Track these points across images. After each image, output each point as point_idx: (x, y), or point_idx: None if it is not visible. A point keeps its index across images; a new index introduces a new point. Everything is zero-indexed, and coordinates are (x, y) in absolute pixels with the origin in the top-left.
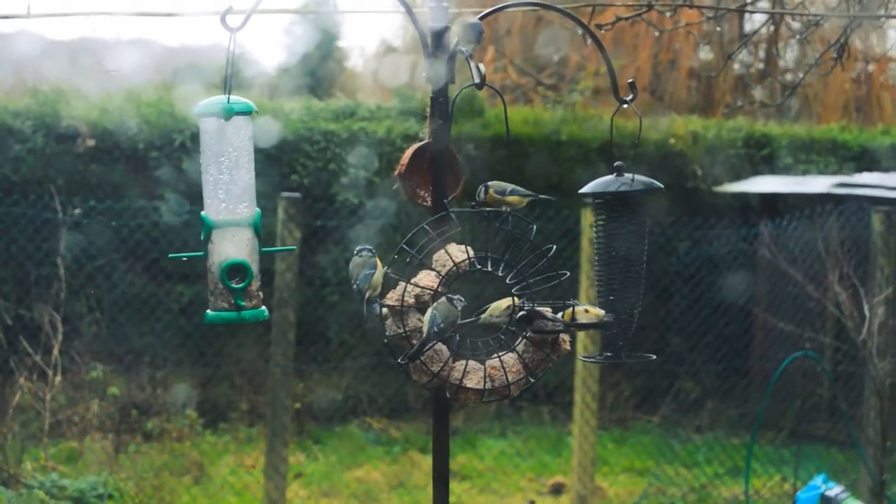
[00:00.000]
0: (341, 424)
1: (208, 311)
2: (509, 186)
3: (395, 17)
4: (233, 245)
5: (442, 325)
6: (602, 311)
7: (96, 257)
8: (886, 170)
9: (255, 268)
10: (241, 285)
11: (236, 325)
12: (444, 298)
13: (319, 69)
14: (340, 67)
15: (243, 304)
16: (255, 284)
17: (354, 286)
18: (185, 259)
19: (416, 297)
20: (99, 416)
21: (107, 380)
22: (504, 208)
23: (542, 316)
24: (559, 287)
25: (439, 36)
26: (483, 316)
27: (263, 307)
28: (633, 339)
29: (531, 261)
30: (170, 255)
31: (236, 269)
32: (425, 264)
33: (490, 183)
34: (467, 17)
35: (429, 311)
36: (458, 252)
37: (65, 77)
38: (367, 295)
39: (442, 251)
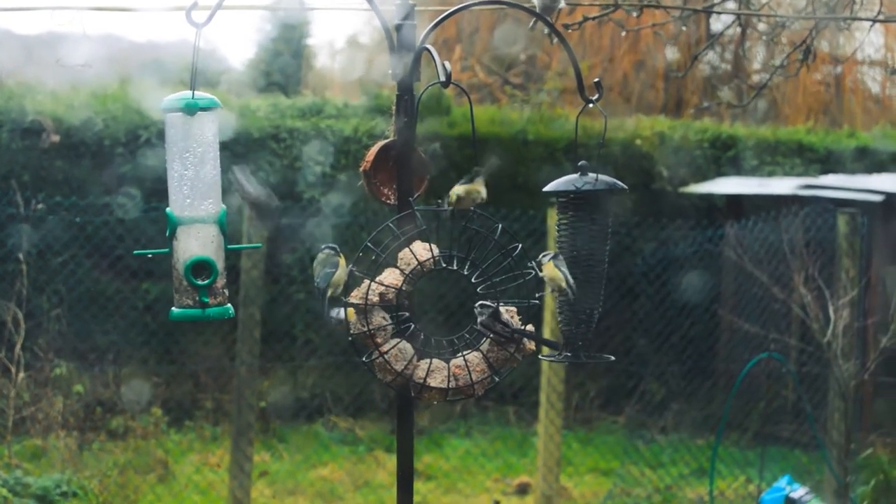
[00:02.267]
0: (306, 423)
1: (173, 308)
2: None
3: (362, 14)
4: (198, 242)
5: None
6: (558, 272)
7: (60, 253)
8: (852, 172)
9: (220, 265)
10: (206, 282)
11: (202, 323)
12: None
13: (287, 66)
14: (308, 65)
15: (208, 301)
16: (221, 282)
17: (315, 283)
18: (149, 256)
19: (381, 295)
20: (63, 414)
21: (71, 377)
22: (474, 199)
23: (499, 318)
24: (525, 287)
25: (404, 33)
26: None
27: (229, 304)
28: (598, 340)
29: (496, 260)
30: (134, 252)
31: (201, 267)
32: (390, 262)
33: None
34: None
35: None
36: (423, 250)
37: (30, 72)
38: (328, 294)
39: (406, 249)
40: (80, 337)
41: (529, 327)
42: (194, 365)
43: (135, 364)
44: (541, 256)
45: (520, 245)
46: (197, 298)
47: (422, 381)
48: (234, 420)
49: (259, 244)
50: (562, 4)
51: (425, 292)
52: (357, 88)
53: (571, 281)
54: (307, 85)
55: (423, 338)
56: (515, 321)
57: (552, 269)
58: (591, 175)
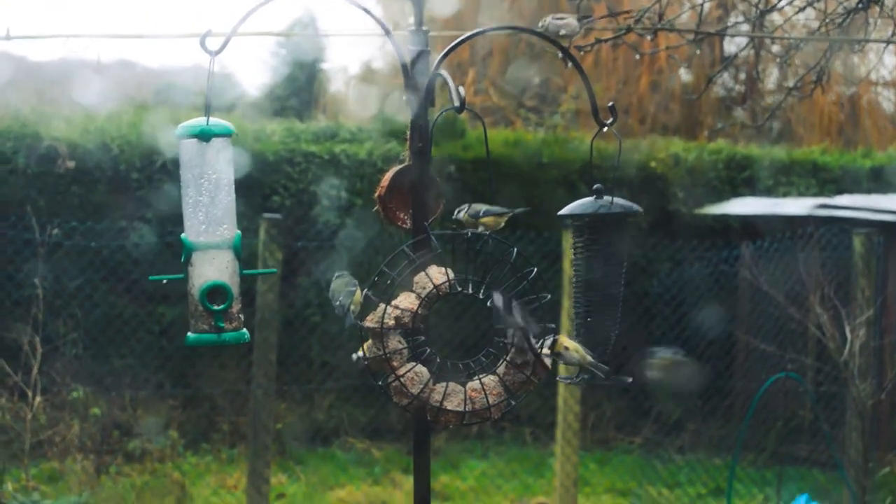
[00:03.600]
0: (323, 445)
1: (189, 333)
2: (482, 208)
3: (376, 39)
4: (213, 267)
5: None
6: (584, 350)
7: (76, 278)
8: (867, 192)
9: (235, 290)
10: (221, 307)
11: (217, 347)
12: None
13: (301, 91)
14: (322, 89)
15: (224, 326)
16: (236, 306)
17: (337, 303)
18: (164, 281)
19: (397, 319)
20: (80, 437)
21: (88, 400)
22: (481, 229)
23: (529, 340)
24: (540, 309)
25: (418, 60)
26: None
27: (244, 329)
28: (615, 361)
29: (512, 283)
30: (150, 277)
31: (217, 292)
32: (406, 286)
33: (468, 206)
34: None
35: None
36: (439, 274)
37: (45, 98)
38: (350, 309)
39: (422, 273)
40: (97, 361)
41: (545, 350)
42: (210, 388)
43: (151, 387)
44: (551, 336)
45: (535, 269)
46: (213, 323)
47: (438, 404)
48: (250, 442)
49: (274, 269)
50: (578, 30)
51: (441, 315)
52: (371, 113)
53: (590, 358)
54: (322, 109)
55: (439, 361)
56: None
57: (573, 343)
58: (607, 198)
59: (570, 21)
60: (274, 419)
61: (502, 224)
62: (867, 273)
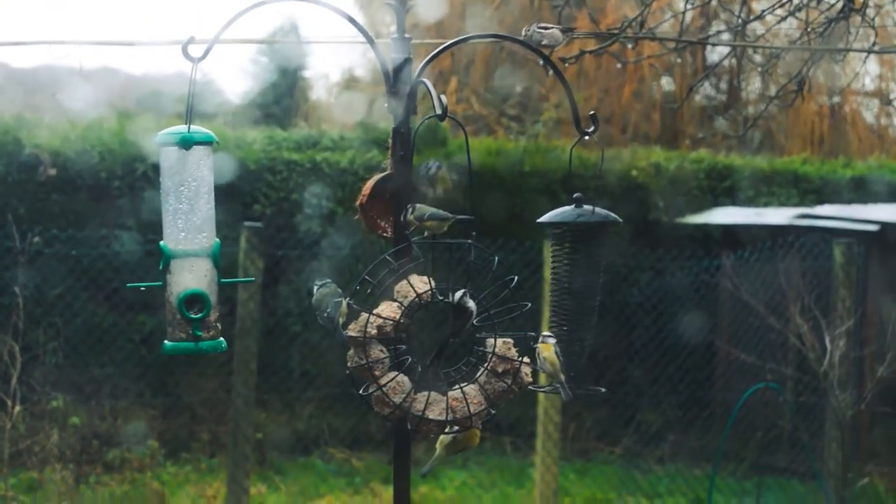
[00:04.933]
0: (303, 455)
1: (166, 341)
2: (428, 211)
3: (358, 47)
4: (191, 275)
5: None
6: (560, 363)
7: (57, 286)
8: (848, 202)
9: (213, 298)
10: (199, 316)
11: (198, 356)
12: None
13: (283, 99)
14: (304, 97)
15: (201, 334)
16: (214, 315)
17: (325, 314)
18: (143, 289)
19: (379, 328)
20: (59, 447)
21: (67, 410)
22: (426, 233)
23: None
24: (521, 317)
25: (401, 68)
26: None
27: (222, 338)
28: (595, 371)
29: (493, 291)
30: (127, 285)
31: (195, 300)
32: (387, 295)
33: (412, 207)
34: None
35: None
36: (420, 283)
37: (27, 105)
38: (340, 321)
39: (404, 282)
40: (77, 370)
41: (526, 360)
42: (190, 397)
43: (131, 397)
44: (542, 336)
45: (516, 277)
46: (190, 332)
47: (420, 413)
48: (230, 452)
49: (252, 278)
50: (562, 42)
51: (422, 323)
52: (353, 120)
53: (563, 378)
54: (303, 117)
55: (421, 370)
56: (512, 353)
57: (552, 354)
58: (587, 207)
59: (554, 32)
60: (254, 428)
61: (444, 228)
62: (847, 283)
